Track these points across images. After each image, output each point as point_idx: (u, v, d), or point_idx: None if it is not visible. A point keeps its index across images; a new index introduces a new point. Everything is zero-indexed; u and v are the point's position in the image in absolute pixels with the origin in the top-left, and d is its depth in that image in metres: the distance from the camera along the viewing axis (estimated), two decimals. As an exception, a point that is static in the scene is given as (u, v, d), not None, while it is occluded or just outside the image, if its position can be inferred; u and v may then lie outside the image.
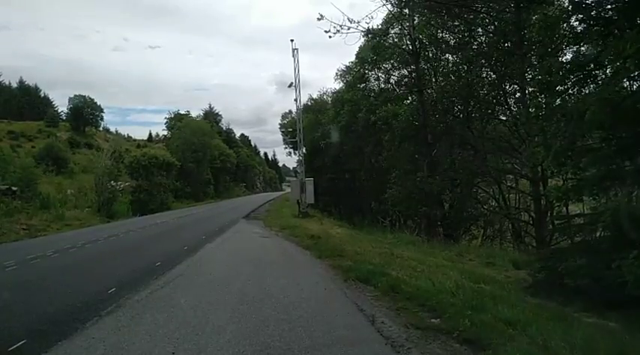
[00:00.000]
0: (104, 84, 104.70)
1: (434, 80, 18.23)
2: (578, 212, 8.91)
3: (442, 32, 16.53)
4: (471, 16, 14.09)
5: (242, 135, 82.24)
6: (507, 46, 13.18)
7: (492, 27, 13.89)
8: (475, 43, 15.16)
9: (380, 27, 18.16)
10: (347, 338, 3.74)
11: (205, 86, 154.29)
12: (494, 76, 14.84)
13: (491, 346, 3.28)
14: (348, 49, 76.28)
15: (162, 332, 3.95)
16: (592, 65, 5.89)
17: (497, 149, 15.33)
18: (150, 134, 66.02)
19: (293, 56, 20.58)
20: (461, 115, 17.03)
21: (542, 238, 11.63)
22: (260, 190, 73.87)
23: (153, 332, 3.94)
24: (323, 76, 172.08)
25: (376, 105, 19.29)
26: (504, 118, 15.60)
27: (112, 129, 60.86)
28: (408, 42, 17.72)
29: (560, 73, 6.59)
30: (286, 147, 44.92)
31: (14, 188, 19.23)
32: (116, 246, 11.43)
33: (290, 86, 21.18)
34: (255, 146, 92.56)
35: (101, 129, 53.88)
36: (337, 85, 28.07)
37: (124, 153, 33.59)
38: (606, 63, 5.58)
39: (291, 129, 37.59)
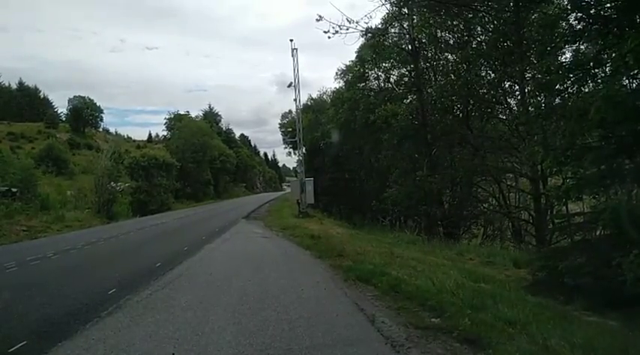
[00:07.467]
0: (103, 85, 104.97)
1: (433, 79, 18.24)
2: (578, 211, 8.90)
3: (441, 31, 16.53)
4: (470, 15, 14.09)
5: (242, 135, 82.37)
6: (507, 44, 13.17)
7: (491, 26, 13.88)
8: (474, 42, 15.17)
9: (379, 26, 18.17)
10: (347, 337, 3.73)
11: (205, 87, 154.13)
12: (493, 74, 14.84)
13: (492, 345, 3.27)
14: (347, 49, 76.37)
15: (163, 332, 3.95)
16: (591, 64, 5.90)
17: (497, 148, 15.33)
18: (149, 135, 66.07)
19: (292, 56, 20.61)
20: (460, 114, 17.03)
21: (542, 237, 11.63)
22: (260, 190, 73.79)
23: (153, 333, 3.94)
24: (322, 76, 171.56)
25: (375, 103, 19.28)
26: (504, 117, 15.62)
27: (112, 130, 61.17)
28: (408, 41, 17.73)
29: (560, 71, 6.59)
30: (286, 147, 44.83)
31: (14, 189, 19.20)
32: (116, 247, 11.44)
33: (289, 86, 21.18)
34: (255, 146, 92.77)
35: (101, 130, 54.14)
36: (337, 85, 28.03)
37: (124, 154, 33.59)
38: (606, 57, 5.58)
39: (290, 129, 37.51)
